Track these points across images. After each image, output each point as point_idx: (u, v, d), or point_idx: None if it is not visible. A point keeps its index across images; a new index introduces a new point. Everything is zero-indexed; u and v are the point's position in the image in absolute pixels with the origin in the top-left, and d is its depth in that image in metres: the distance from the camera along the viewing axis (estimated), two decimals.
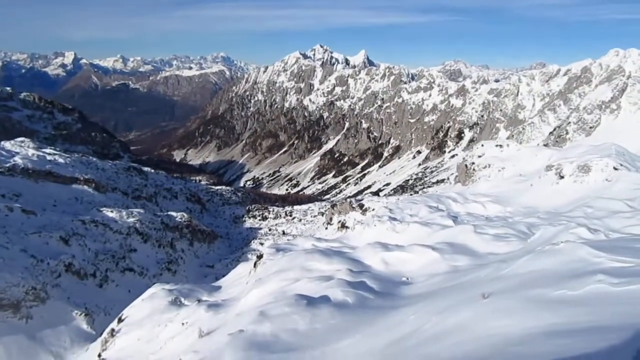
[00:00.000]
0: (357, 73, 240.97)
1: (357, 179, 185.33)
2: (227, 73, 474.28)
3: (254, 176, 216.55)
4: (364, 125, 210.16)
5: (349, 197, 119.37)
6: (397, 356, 6.36)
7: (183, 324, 13.90)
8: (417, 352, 6.02)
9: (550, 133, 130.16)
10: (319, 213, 72.51)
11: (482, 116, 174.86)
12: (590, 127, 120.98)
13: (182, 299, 17.59)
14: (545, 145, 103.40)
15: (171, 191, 73.03)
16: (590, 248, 8.30)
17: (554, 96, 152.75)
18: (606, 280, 6.16)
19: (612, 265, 7.24)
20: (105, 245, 39.70)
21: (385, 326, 8.25)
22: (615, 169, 29.96)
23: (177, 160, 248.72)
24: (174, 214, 53.81)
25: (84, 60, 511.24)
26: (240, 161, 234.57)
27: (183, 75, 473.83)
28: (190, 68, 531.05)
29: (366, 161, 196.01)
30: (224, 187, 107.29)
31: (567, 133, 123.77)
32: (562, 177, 30.87)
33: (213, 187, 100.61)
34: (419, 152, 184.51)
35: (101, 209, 45.63)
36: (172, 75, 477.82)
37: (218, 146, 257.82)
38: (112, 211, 45.57)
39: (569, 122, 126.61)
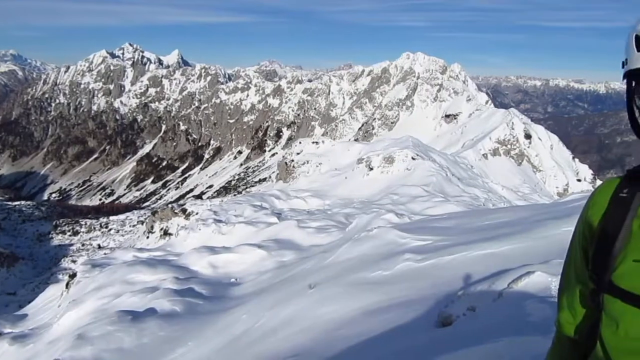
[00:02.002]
0: (172, 73, 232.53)
1: (178, 183, 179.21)
2: (20, 73, 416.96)
3: (61, 187, 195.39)
4: (182, 127, 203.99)
5: (171, 202, 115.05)
6: (230, 358, 6.34)
7: None
8: (251, 350, 6.08)
9: (359, 129, 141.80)
10: (138, 222, 68.43)
11: (299, 115, 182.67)
12: (392, 122, 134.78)
13: None
14: (355, 140, 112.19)
15: None
16: (398, 231, 9.25)
17: (360, 95, 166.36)
18: (412, 258, 6.95)
19: (416, 244, 8.18)
20: None
21: (217, 330, 8.17)
22: (413, 158, 33.89)
23: None
24: None
25: None
26: (43, 172, 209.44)
27: None
28: None
29: (186, 164, 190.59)
30: (23, 202, 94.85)
31: (373, 128, 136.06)
32: (371, 169, 33.89)
33: (9, 202, 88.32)
34: (240, 152, 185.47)
35: None
36: None
37: (13, 156, 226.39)
38: None
39: (374, 118, 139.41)
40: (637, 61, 0.89)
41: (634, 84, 0.93)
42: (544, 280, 3.98)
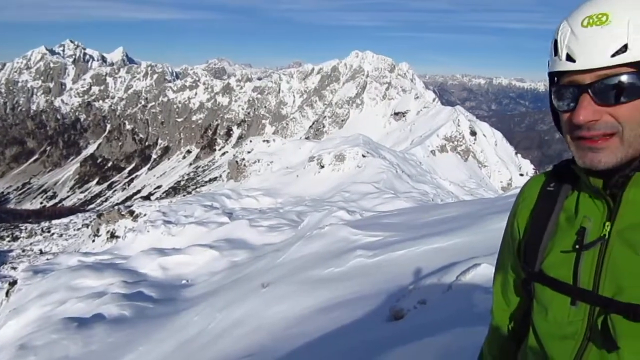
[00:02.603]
0: (117, 71, 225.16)
1: (124, 184, 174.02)
2: None
3: None
4: (128, 127, 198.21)
5: (117, 204, 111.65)
6: None
7: None
8: (203, 352, 5.99)
9: (310, 127, 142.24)
10: (83, 225, 65.98)
11: (249, 113, 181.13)
12: (342, 120, 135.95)
13: None
14: (306, 138, 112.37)
15: None
16: (350, 228, 9.35)
17: (310, 93, 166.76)
18: (364, 254, 7.04)
19: (367, 241, 8.29)
20: None
21: (168, 333, 8.00)
22: (363, 156, 34.31)
23: None
24: None
25: None
26: None
27: None
28: None
29: (133, 165, 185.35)
30: None
31: (324, 126, 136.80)
32: (322, 167, 34.06)
33: None
34: (189, 151, 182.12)
35: None
36: None
37: None
38: None
39: (325, 117, 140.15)
40: (554, 65, 0.96)
41: (554, 86, 1.00)
42: (490, 272, 4.12)
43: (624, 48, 0.86)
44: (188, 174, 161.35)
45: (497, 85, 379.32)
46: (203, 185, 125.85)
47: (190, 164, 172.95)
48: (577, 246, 0.98)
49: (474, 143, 69.14)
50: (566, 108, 0.95)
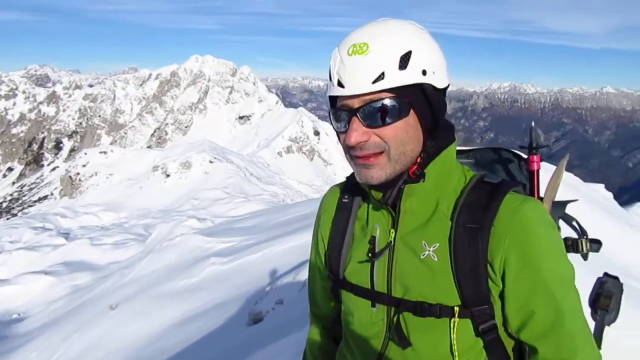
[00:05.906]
0: None
1: None
2: None
3: None
4: None
5: None
6: None
7: None
8: None
9: (152, 135, 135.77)
10: None
11: (81, 123, 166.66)
12: (186, 127, 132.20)
13: None
14: (148, 147, 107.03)
15: None
16: (202, 236, 9.17)
17: (149, 99, 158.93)
18: (218, 261, 6.96)
19: (221, 247, 8.21)
20: None
21: None
22: (211, 162, 33.81)
23: None
24: None
25: None
26: None
27: None
28: None
29: None
30: None
31: (166, 134, 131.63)
32: (168, 176, 32.80)
33: None
34: (10, 169, 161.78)
35: None
36: None
37: None
38: None
39: (167, 124, 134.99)
40: (329, 89, 1.03)
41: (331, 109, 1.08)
42: None
43: (382, 76, 0.95)
44: (11, 195, 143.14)
45: None
46: (31, 206, 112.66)
47: (14, 183, 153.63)
48: (370, 254, 1.07)
49: (318, 142, 72.07)
50: (342, 129, 1.03)
